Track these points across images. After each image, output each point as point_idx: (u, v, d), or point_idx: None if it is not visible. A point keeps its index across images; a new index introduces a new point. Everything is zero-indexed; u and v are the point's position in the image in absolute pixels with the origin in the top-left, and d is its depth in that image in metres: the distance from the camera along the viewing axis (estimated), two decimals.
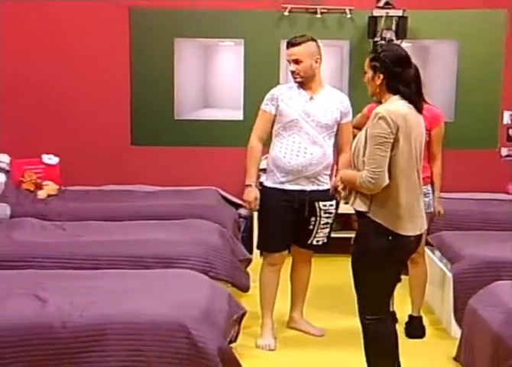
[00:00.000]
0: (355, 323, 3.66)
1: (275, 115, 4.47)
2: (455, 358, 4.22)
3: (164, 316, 3.44)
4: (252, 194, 4.46)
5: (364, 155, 3.32)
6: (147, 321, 3.41)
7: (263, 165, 4.71)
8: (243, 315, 4.16)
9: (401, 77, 3.37)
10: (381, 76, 3.40)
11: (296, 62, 4.41)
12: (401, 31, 6.17)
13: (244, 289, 4.94)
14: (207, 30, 6.59)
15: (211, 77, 7.08)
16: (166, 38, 6.58)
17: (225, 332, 3.73)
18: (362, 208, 3.38)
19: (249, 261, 5.30)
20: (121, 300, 3.60)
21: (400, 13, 6.19)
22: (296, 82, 4.49)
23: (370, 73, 3.44)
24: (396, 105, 3.36)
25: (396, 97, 3.38)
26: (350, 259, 3.51)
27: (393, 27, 6.19)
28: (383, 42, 6.08)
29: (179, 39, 6.64)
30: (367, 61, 3.46)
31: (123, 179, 6.58)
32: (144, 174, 6.65)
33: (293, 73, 4.47)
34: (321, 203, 4.50)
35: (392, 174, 3.30)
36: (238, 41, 6.63)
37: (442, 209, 4.65)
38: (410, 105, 3.37)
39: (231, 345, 3.97)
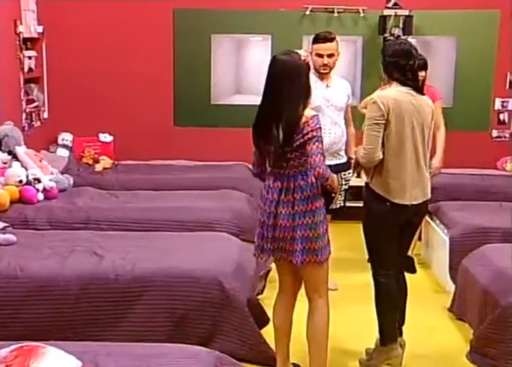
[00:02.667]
0: (365, 279, 3.66)
1: None
2: (449, 309, 4.23)
3: (201, 272, 3.47)
4: None
5: None
6: (186, 275, 3.45)
7: None
8: (268, 271, 4.18)
9: (395, 66, 3.32)
10: (382, 67, 3.42)
11: (330, 56, 4.33)
12: (407, 28, 6.09)
13: None
14: (239, 27, 6.54)
15: (242, 68, 7.04)
16: (204, 34, 6.54)
17: (253, 286, 3.75)
18: (365, 179, 3.45)
19: None
20: (165, 257, 3.64)
21: (406, 12, 6.10)
22: (323, 73, 4.39)
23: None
24: (388, 91, 3.36)
25: (395, 84, 3.35)
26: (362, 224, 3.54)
27: (401, 25, 6.11)
28: (392, 38, 6.01)
29: (215, 35, 6.59)
30: None
31: (167, 155, 6.59)
32: (185, 151, 6.65)
33: (325, 65, 4.35)
34: (342, 173, 4.50)
35: (385, 150, 3.30)
36: (266, 37, 6.56)
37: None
38: (410, 92, 3.31)
39: (259, 297, 4.00)
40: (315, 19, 6.37)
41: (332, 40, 4.34)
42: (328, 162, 4.40)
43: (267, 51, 6.55)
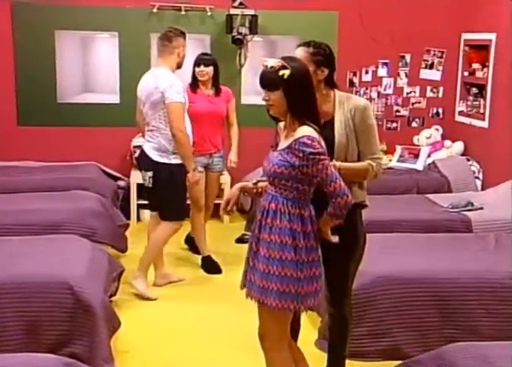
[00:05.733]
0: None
1: None
2: None
3: (51, 277, 3.39)
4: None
5: (356, 145, 2.86)
6: (35, 280, 3.35)
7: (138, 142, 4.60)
8: (121, 272, 4.15)
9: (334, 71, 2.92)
10: (325, 71, 2.91)
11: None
12: (253, 28, 6.22)
13: (123, 250, 4.91)
14: (85, 23, 6.36)
15: (90, 65, 6.89)
16: (47, 30, 6.30)
17: (106, 288, 3.70)
18: (364, 197, 2.96)
19: (127, 225, 5.26)
20: (12, 263, 3.52)
21: (252, 12, 6.22)
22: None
23: (312, 68, 2.84)
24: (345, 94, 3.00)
25: (335, 90, 2.95)
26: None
27: (247, 24, 6.22)
28: (240, 37, 6.09)
29: (59, 31, 6.37)
30: (306, 55, 2.91)
31: (11, 156, 6.31)
32: (31, 152, 6.40)
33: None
34: None
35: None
36: (112, 34, 6.44)
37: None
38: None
39: (112, 298, 3.94)
40: (162, 17, 6.35)
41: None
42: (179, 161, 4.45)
43: (114, 48, 6.44)
